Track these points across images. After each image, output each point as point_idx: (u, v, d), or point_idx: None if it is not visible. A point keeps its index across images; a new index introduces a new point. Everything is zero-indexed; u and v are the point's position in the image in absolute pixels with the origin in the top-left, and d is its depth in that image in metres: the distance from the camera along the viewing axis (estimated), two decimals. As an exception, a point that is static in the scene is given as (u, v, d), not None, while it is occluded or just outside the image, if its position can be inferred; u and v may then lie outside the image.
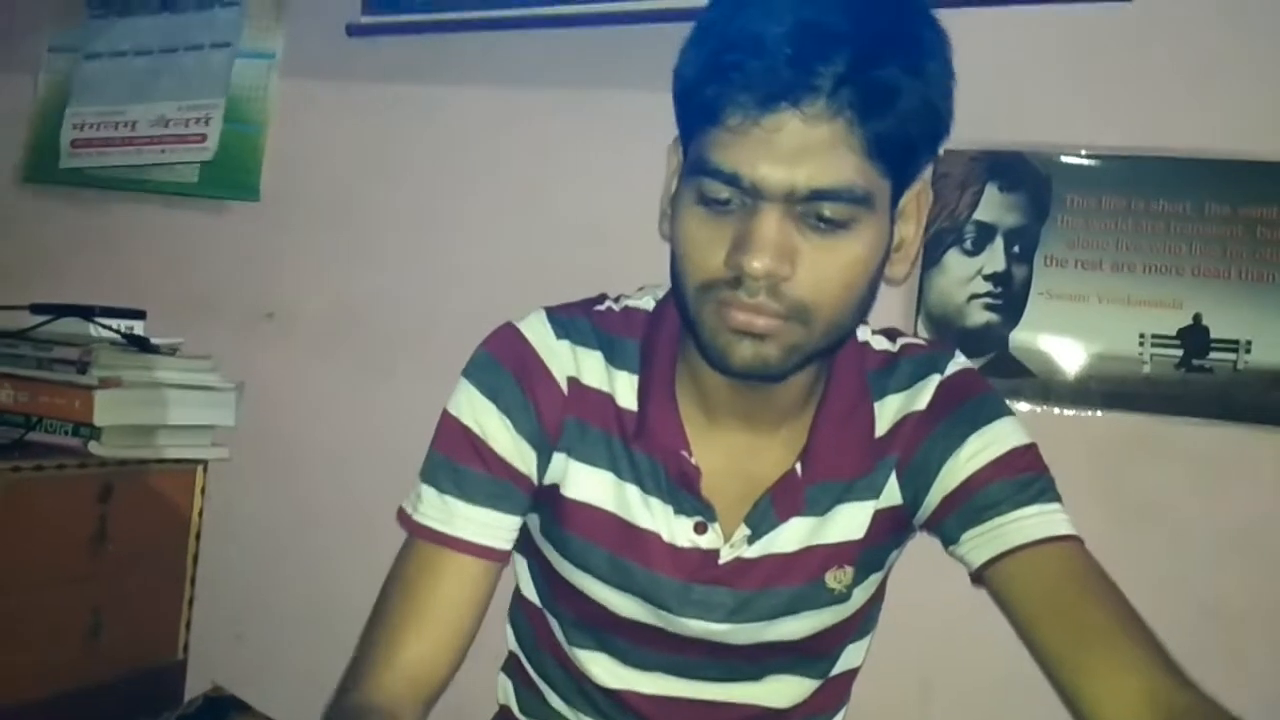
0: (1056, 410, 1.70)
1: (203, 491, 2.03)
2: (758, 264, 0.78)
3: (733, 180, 0.79)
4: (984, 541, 0.89)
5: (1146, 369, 1.67)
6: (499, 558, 0.93)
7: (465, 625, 0.91)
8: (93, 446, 1.78)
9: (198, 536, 2.04)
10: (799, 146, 0.77)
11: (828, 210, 0.79)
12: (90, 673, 1.85)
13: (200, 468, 2.02)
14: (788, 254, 0.79)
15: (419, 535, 0.92)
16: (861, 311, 0.86)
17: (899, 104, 0.78)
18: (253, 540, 2.08)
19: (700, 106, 0.80)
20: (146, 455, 1.89)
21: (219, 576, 2.05)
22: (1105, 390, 1.68)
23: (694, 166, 0.82)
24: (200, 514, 2.04)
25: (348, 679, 0.88)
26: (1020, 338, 1.72)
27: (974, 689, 1.71)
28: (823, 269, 0.80)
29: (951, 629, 1.64)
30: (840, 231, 0.80)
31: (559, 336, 0.96)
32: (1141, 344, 1.67)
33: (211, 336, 2.04)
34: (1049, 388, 1.70)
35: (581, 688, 1.00)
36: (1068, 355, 1.70)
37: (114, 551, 1.86)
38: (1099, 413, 1.69)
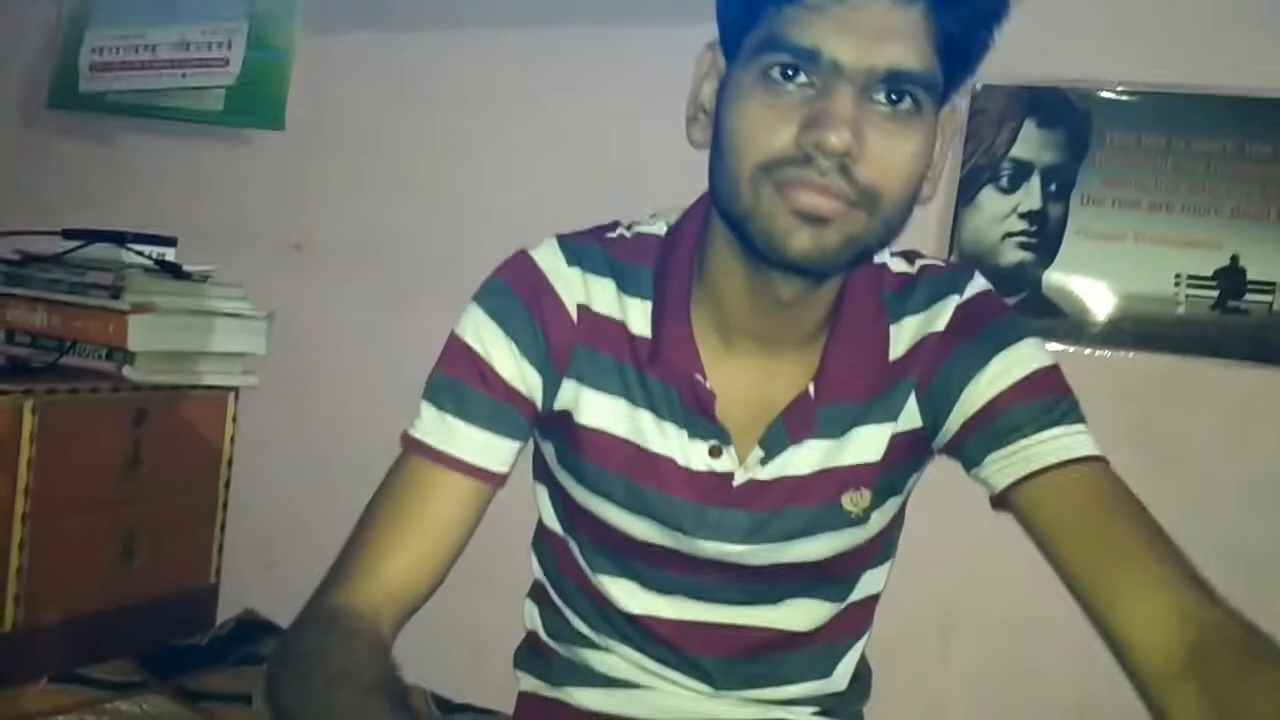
0: (1088, 350, 1.69)
1: (234, 419, 2.05)
2: (836, 139, 0.77)
3: (812, 56, 0.79)
4: (1008, 464, 0.89)
5: (1181, 310, 1.65)
6: (493, 481, 0.93)
7: (451, 544, 0.92)
8: (126, 371, 1.80)
9: (229, 463, 2.07)
10: (883, 27, 0.78)
11: (900, 93, 0.80)
12: (124, 595, 1.89)
13: (232, 395, 2.04)
14: (860, 136, 0.79)
15: (415, 451, 0.93)
16: (907, 215, 0.85)
17: (969, 4, 0.80)
18: (282, 468, 2.10)
19: None
20: (179, 381, 1.90)
21: (250, 503, 2.08)
22: (1138, 331, 1.67)
23: (762, 46, 0.81)
24: (232, 441, 2.06)
25: (328, 582, 0.89)
26: (1054, 277, 1.71)
27: (995, 623, 1.72)
28: (888, 157, 0.80)
29: (973, 564, 1.65)
30: (905, 120, 0.81)
31: (570, 263, 0.96)
32: (1177, 284, 1.65)
33: (239, 266, 2.05)
34: (1081, 328, 1.69)
35: (605, 613, 1.01)
36: (1102, 295, 1.69)
37: (147, 476, 1.89)
38: (1131, 354, 1.68)
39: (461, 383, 0.93)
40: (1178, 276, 1.66)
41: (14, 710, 1.56)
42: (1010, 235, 1.72)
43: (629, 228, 0.99)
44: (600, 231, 0.99)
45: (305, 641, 0.83)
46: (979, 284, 0.96)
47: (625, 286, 0.95)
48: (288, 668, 0.82)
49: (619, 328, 0.95)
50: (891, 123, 0.80)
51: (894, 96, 0.80)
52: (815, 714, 1.04)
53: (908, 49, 0.79)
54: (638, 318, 0.95)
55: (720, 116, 0.85)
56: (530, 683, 1.08)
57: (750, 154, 0.81)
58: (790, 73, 0.80)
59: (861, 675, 1.08)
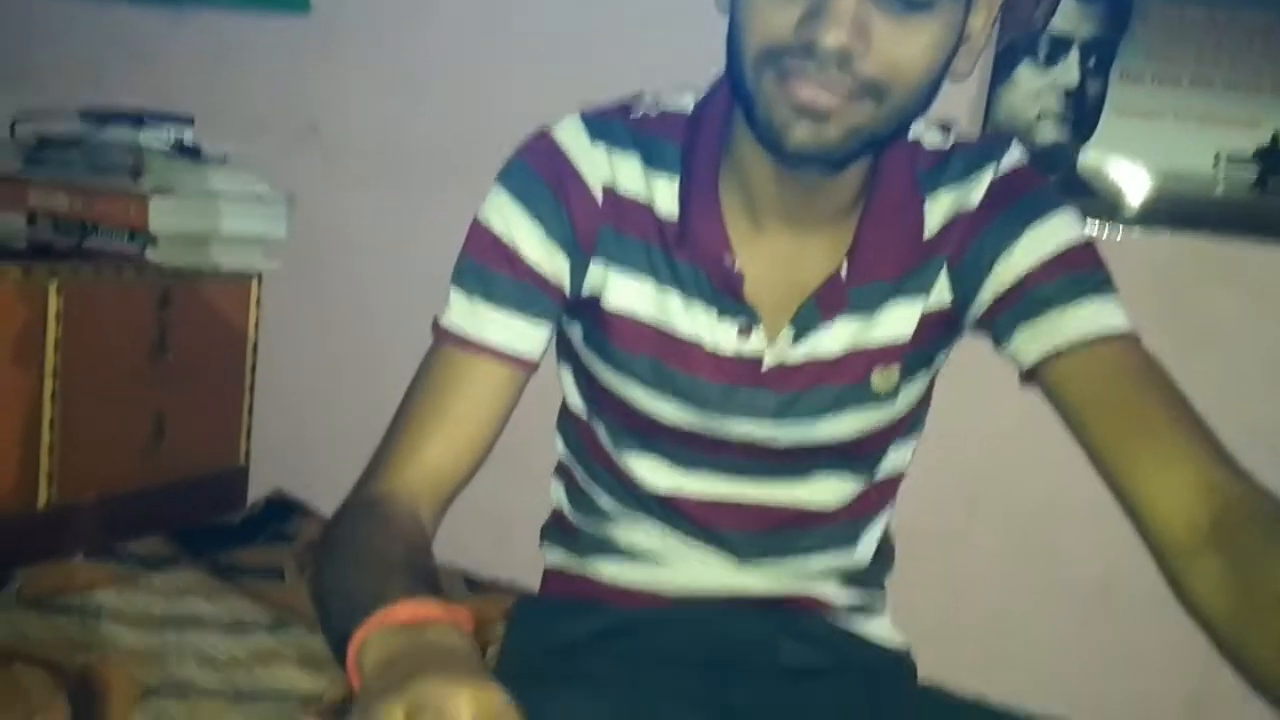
0: (1124, 230, 1.66)
1: (258, 303, 2.06)
2: (831, 39, 0.75)
3: None
4: (1037, 337, 0.88)
5: (1219, 190, 1.62)
6: (524, 365, 0.93)
7: (487, 429, 0.92)
8: (149, 253, 1.80)
9: (255, 348, 2.08)
10: None
11: None
12: (155, 475, 1.92)
13: (255, 280, 2.04)
14: (864, 31, 0.76)
15: (445, 338, 0.92)
16: (926, 101, 0.83)
17: None
18: (307, 352, 2.11)
19: None
20: (201, 264, 1.90)
21: (276, 387, 2.10)
22: (1175, 211, 1.64)
23: None
24: (256, 326, 2.07)
25: (367, 473, 0.89)
26: (1090, 156, 1.66)
27: (1020, 504, 1.73)
28: (899, 50, 0.77)
29: (1000, 448, 1.65)
30: (919, 13, 0.77)
31: (594, 140, 0.93)
32: (1216, 164, 1.61)
33: (257, 150, 2.02)
34: (1117, 207, 1.66)
35: (630, 490, 1.02)
36: (1139, 175, 1.65)
37: (174, 360, 1.90)
38: (1168, 233, 1.64)
39: (487, 266, 0.92)
40: (1217, 155, 1.61)
41: (52, 583, 1.59)
42: (1046, 113, 1.68)
43: (654, 101, 0.97)
44: (624, 106, 0.96)
45: (342, 529, 0.84)
46: (1014, 156, 0.93)
47: (651, 161, 0.93)
48: (324, 554, 0.83)
49: (645, 210, 0.93)
50: (903, 17, 0.77)
51: None
52: (839, 586, 1.04)
53: None
54: (664, 197, 0.93)
55: None
56: (556, 557, 1.09)
57: (754, 37, 0.79)
58: None
59: (884, 550, 1.08)
